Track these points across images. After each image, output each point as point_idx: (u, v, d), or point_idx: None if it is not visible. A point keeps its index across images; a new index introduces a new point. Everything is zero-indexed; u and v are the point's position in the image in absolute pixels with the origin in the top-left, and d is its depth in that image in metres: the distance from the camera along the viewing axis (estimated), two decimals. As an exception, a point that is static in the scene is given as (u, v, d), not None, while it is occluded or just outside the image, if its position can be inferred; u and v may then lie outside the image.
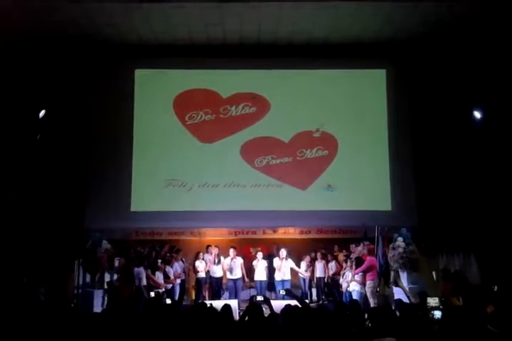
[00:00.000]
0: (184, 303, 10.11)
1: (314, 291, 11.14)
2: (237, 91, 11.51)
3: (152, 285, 9.50)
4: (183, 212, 10.85)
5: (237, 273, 10.48)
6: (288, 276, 10.45)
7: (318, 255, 10.96)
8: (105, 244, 10.14)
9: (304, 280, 10.92)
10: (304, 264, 10.91)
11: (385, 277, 9.87)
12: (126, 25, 10.18)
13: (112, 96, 11.22)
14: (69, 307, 8.35)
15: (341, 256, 10.89)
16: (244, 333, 4.24)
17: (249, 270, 10.69)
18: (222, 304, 5.29)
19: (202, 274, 10.47)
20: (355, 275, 9.48)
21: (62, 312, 5.39)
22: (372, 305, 9.06)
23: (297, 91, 11.48)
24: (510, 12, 9.10)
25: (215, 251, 10.65)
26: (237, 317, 7.08)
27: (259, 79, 11.56)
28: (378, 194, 11.09)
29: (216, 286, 10.52)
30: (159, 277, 9.69)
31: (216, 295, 10.42)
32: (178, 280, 10.23)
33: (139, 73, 11.46)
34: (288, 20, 10.00)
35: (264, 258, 10.70)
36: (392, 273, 10.05)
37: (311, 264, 10.95)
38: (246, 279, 10.62)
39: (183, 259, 10.75)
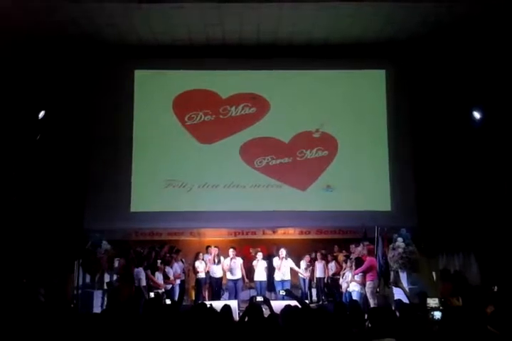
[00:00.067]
0: (184, 304, 10.12)
1: (314, 292, 11.13)
2: (236, 92, 11.51)
3: (152, 285, 9.51)
4: (182, 212, 10.86)
5: (237, 274, 10.47)
6: (288, 276, 10.44)
7: (318, 255, 10.95)
8: (105, 245, 10.12)
9: (304, 280, 10.91)
10: (303, 263, 10.90)
11: (384, 277, 9.86)
12: (126, 26, 10.18)
13: (112, 96, 11.24)
14: (69, 308, 8.35)
15: (341, 257, 10.87)
16: (244, 334, 4.23)
17: (249, 270, 10.69)
18: (222, 304, 5.28)
19: (202, 275, 10.46)
20: (355, 276, 9.47)
21: (61, 312, 5.39)
22: (372, 305, 9.04)
23: (297, 91, 11.48)
24: (510, 12, 9.10)
25: (214, 251, 10.64)
26: (236, 317, 7.08)
27: (259, 80, 11.56)
28: (378, 194, 11.09)
29: (216, 287, 10.51)
30: (159, 277, 9.68)
31: (216, 296, 10.42)
32: (178, 281, 10.23)
33: (138, 74, 11.47)
34: (288, 21, 10.00)
35: (263, 258, 10.69)
36: (392, 274, 10.04)
37: (311, 264, 10.94)
38: (246, 280, 10.61)
39: (183, 260, 10.74)
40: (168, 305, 7.27)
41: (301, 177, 11.20)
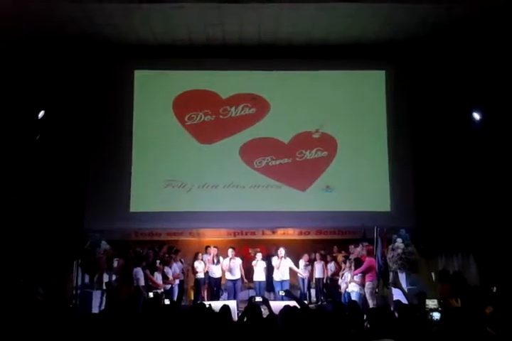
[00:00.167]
0: (183, 304, 10.13)
1: (313, 292, 11.12)
2: (236, 92, 11.52)
3: (151, 285, 9.49)
4: (182, 212, 10.87)
5: (236, 274, 10.46)
6: (287, 276, 10.44)
7: (317, 256, 10.95)
8: (104, 245, 10.13)
9: (303, 280, 10.90)
10: (302, 262, 10.88)
11: (384, 278, 9.85)
12: (126, 26, 10.19)
13: (112, 96, 11.25)
14: (67, 308, 8.33)
15: (340, 257, 10.87)
16: (243, 334, 4.24)
17: (248, 271, 10.68)
18: (221, 305, 5.29)
19: (201, 275, 10.46)
20: (354, 276, 9.47)
21: (60, 312, 5.40)
22: (371, 306, 9.04)
23: (297, 92, 11.49)
24: (509, 14, 9.12)
25: (214, 251, 10.64)
26: (235, 317, 7.09)
27: (259, 80, 11.56)
28: (377, 195, 11.10)
29: (215, 287, 10.51)
30: (158, 278, 9.68)
31: (215, 296, 10.42)
32: (177, 281, 10.22)
33: (138, 74, 11.47)
34: (288, 21, 10.01)
35: (263, 259, 10.68)
36: (391, 274, 10.04)
37: (310, 263, 10.94)
38: (245, 280, 10.60)
39: (182, 260, 10.73)
40: (167, 305, 7.27)
41: (300, 177, 11.20)
